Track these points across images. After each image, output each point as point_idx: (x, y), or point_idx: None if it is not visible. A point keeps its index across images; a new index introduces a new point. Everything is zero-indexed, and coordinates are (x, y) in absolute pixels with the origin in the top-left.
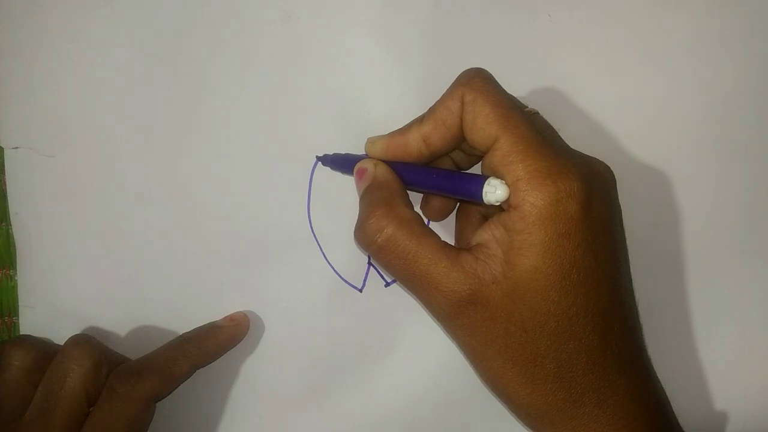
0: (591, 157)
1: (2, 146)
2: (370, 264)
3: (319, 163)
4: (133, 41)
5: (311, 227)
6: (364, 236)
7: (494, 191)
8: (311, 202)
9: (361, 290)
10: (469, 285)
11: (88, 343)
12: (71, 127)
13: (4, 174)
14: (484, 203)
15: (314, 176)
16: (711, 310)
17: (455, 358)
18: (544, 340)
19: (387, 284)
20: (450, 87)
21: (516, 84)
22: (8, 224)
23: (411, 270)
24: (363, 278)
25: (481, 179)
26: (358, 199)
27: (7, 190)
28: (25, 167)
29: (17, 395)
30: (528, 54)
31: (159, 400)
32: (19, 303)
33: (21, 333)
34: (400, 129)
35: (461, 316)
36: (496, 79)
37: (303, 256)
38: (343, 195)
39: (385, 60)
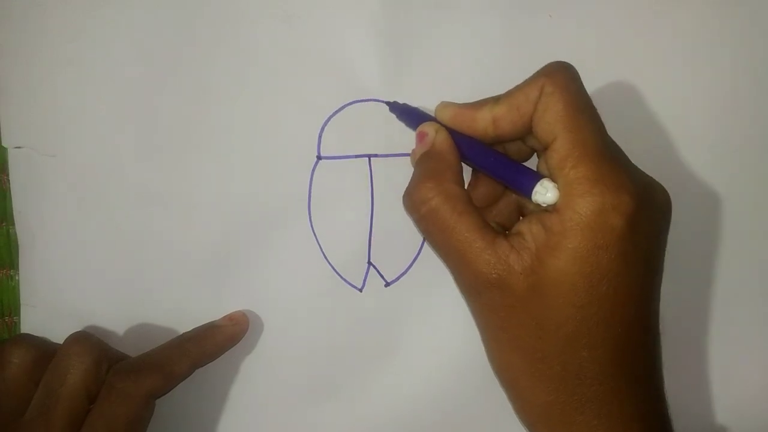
0: (651, 177)
1: (5, 146)
2: (370, 264)
3: (319, 161)
4: (134, 41)
5: (311, 227)
6: (410, 203)
7: (545, 193)
8: (311, 202)
9: (361, 290)
10: (498, 270)
11: (88, 340)
12: (72, 127)
13: (4, 174)
14: (531, 200)
15: (314, 176)
16: (709, 314)
17: (455, 358)
18: (557, 342)
19: (387, 284)
20: (533, 75)
21: (516, 83)
22: (9, 224)
23: (447, 243)
24: (363, 278)
25: (535, 177)
26: (360, 199)
27: (11, 189)
28: (28, 167)
29: (18, 394)
30: (528, 54)
31: (158, 398)
32: (21, 301)
33: (21, 332)
34: (473, 102)
35: (484, 295)
36: (505, 78)
37: (303, 256)
38: (343, 194)
39: (386, 60)
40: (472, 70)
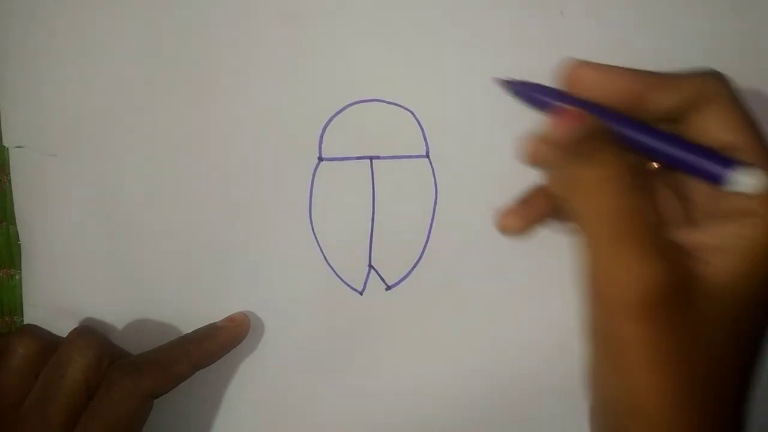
0: None
1: (5, 146)
2: (370, 267)
3: (321, 163)
4: (134, 41)
5: (312, 229)
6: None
7: (749, 179)
8: (312, 204)
9: (361, 293)
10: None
11: (92, 334)
12: (72, 127)
13: (4, 174)
14: (724, 188)
15: (315, 178)
16: None
17: (455, 361)
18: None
19: (388, 288)
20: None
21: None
22: (9, 223)
23: None
24: (364, 281)
25: (728, 160)
26: (361, 201)
27: (12, 189)
28: (28, 166)
29: (20, 384)
30: (538, 51)
31: (157, 397)
32: (24, 301)
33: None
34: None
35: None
36: (505, 75)
37: (303, 258)
38: (344, 197)
39: (388, 60)
40: (479, 71)
